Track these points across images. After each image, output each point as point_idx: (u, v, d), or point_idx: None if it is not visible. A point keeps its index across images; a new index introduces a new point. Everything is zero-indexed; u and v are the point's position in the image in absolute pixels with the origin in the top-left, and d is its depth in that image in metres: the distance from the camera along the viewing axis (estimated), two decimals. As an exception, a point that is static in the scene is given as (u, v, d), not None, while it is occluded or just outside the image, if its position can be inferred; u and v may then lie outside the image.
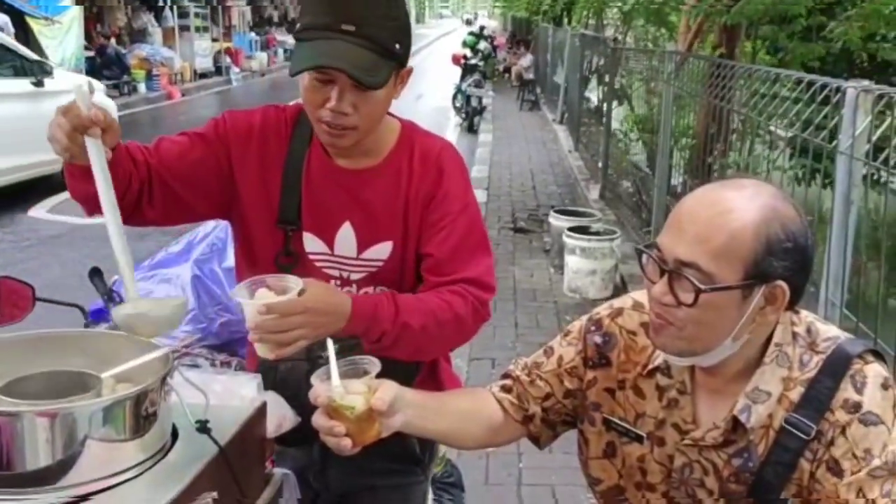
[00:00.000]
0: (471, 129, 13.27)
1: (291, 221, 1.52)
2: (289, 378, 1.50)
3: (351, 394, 1.17)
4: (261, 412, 1.34)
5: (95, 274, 2.02)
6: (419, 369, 1.56)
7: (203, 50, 20.12)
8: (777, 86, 3.30)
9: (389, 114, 1.55)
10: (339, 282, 1.53)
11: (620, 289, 5.59)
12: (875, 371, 1.16)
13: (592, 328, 1.36)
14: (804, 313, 1.24)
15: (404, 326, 1.40)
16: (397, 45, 1.40)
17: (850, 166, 2.24)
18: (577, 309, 5.30)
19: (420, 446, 1.65)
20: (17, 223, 6.98)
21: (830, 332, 1.21)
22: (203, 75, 20.05)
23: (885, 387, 1.14)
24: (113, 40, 16.65)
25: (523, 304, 5.39)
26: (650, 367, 1.29)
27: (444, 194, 1.51)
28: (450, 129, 13.61)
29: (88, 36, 15.69)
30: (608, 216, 7.21)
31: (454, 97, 14.22)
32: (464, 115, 13.68)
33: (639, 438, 1.29)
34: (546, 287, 5.79)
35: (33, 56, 8.10)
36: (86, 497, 1.07)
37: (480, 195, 8.59)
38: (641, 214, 6.72)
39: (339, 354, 1.47)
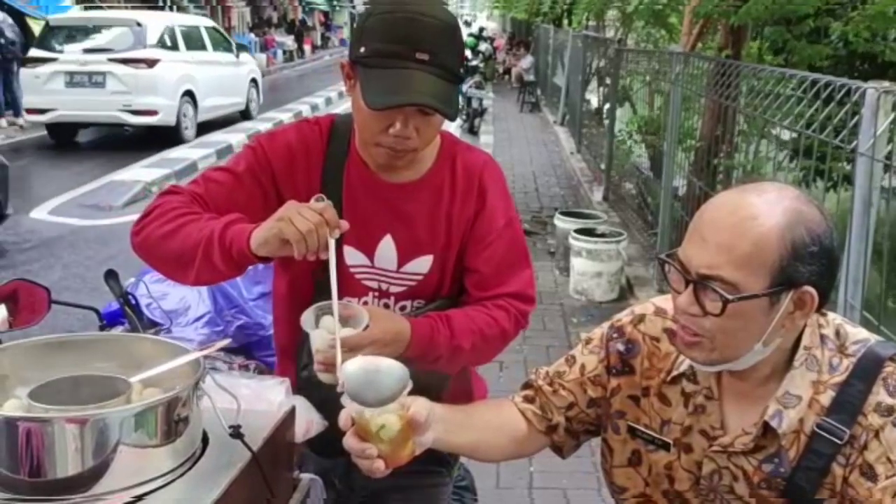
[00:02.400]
0: (471, 130, 13.27)
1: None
2: (331, 393, 1.48)
3: (384, 413, 1.14)
4: (290, 417, 1.32)
5: (111, 276, 2.00)
6: (450, 376, 1.55)
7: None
8: (782, 86, 3.29)
9: None
10: (377, 293, 1.53)
11: (626, 291, 5.57)
12: None
13: (615, 335, 1.34)
14: (832, 315, 1.22)
15: (458, 349, 1.44)
16: (462, 70, 1.41)
17: (870, 168, 2.22)
18: (584, 311, 5.29)
19: None
20: (19, 225, 6.95)
21: (860, 335, 1.19)
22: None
23: None
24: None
25: (529, 307, 5.38)
26: (674, 373, 1.27)
27: (490, 211, 1.52)
28: (451, 131, 13.53)
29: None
30: (613, 218, 7.20)
31: (455, 99, 14.19)
32: (464, 117, 13.67)
33: (665, 446, 1.27)
34: (552, 289, 5.77)
35: (233, 40, 14.41)
36: (119, 505, 1.05)
37: (483, 197, 8.57)
38: (646, 217, 6.71)
39: None
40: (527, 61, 17.26)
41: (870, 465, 1.11)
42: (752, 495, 1.20)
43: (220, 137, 11.38)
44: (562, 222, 6.09)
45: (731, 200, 1.13)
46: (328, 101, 16.23)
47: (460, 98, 12.27)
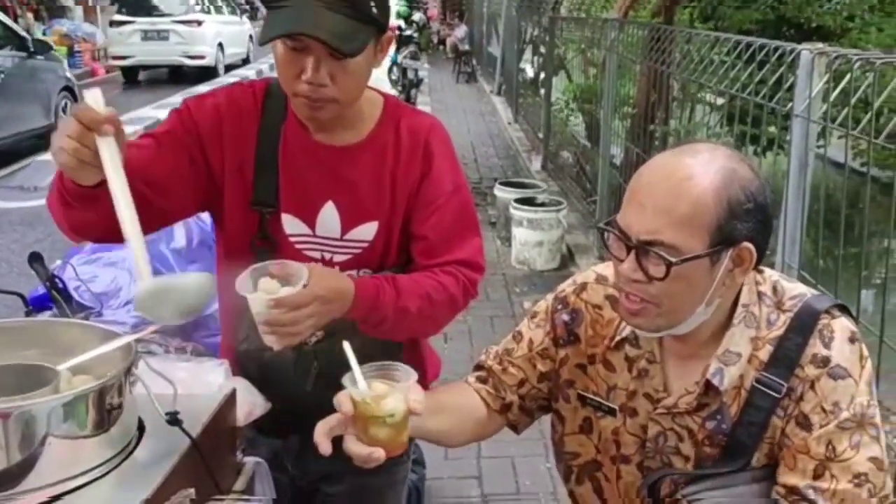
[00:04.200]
0: (408, 101, 13.10)
1: (268, 203, 1.43)
2: (273, 368, 1.43)
3: (391, 397, 1.10)
4: (231, 400, 1.27)
5: (36, 259, 1.90)
6: (402, 347, 1.50)
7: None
8: (715, 51, 3.31)
9: (371, 88, 1.47)
10: (320, 263, 1.45)
11: (567, 259, 5.62)
12: (842, 325, 1.16)
13: (559, 307, 1.34)
14: (768, 272, 1.24)
15: (404, 311, 1.37)
16: (375, 8, 1.31)
17: (806, 129, 2.25)
18: (526, 280, 5.31)
19: None
20: (-63, 209, 6.61)
21: (797, 290, 1.21)
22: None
23: (851, 340, 1.15)
24: (31, 16, 15.87)
25: (472, 277, 5.37)
26: (617, 338, 1.28)
27: (436, 174, 1.45)
28: (387, 103, 13.43)
29: (4, 11, 14.90)
30: (552, 187, 7.23)
31: (390, 70, 14.04)
32: (400, 88, 13.51)
33: (612, 412, 1.29)
34: (494, 259, 5.77)
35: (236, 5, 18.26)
36: (50, 501, 0.98)
37: (422, 169, 8.51)
38: (585, 185, 6.75)
39: (330, 338, 1.40)
40: (461, 31, 17.13)
41: (805, 416, 1.13)
42: (696, 454, 1.22)
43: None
44: (502, 192, 6.09)
45: (665, 163, 1.13)
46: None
47: (395, 69, 12.09)
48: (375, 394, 1.09)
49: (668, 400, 1.23)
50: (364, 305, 1.33)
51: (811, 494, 1.11)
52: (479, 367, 1.42)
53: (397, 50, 14.20)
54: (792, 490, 1.12)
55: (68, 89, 9.64)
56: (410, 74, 13.22)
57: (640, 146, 5.06)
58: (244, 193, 1.43)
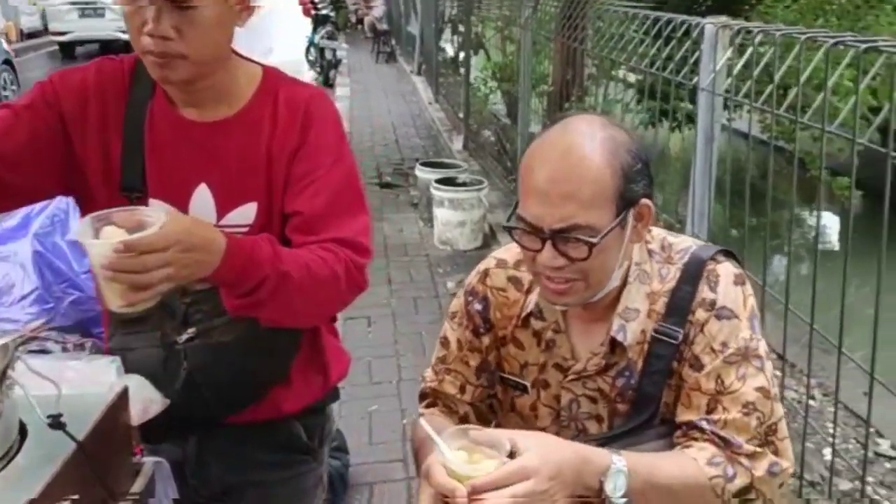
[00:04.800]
0: (326, 82, 12.92)
1: (136, 188, 1.31)
2: (141, 367, 1.31)
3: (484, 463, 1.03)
4: (122, 398, 1.19)
5: None
6: (299, 347, 1.41)
7: (29, 8, 18.84)
8: (626, 27, 3.34)
9: (252, 61, 1.39)
10: None
11: (490, 238, 5.63)
12: (726, 269, 1.22)
13: (470, 298, 1.36)
14: (655, 230, 1.29)
15: (284, 276, 1.21)
16: None
17: (711, 103, 2.29)
18: (449, 261, 5.30)
19: (308, 433, 1.51)
20: None
21: (684, 244, 1.27)
22: (31, 35, 18.74)
23: (736, 283, 1.21)
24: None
25: (395, 260, 5.33)
26: (523, 315, 1.30)
27: (314, 145, 1.33)
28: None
29: None
30: (473, 166, 7.22)
31: (307, 50, 13.78)
32: (318, 69, 13.29)
33: (525, 388, 1.32)
34: (417, 241, 5.74)
35: None
36: (-85, 519, 0.90)
37: (342, 151, 8.38)
38: (505, 163, 6.78)
39: (195, 306, 1.29)
40: (379, 10, 16.92)
41: (696, 357, 1.20)
42: (610, 412, 1.26)
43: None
44: (423, 173, 6.05)
45: (553, 148, 1.14)
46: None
47: (312, 50, 11.86)
48: (475, 466, 1.02)
49: (577, 366, 1.26)
50: (236, 263, 1.16)
51: (705, 426, 1.17)
52: (422, 395, 1.42)
53: (314, 30, 13.94)
54: (688, 425, 1.19)
55: (7, 63, 11.55)
56: (328, 55, 13.00)
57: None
58: (111, 178, 1.32)
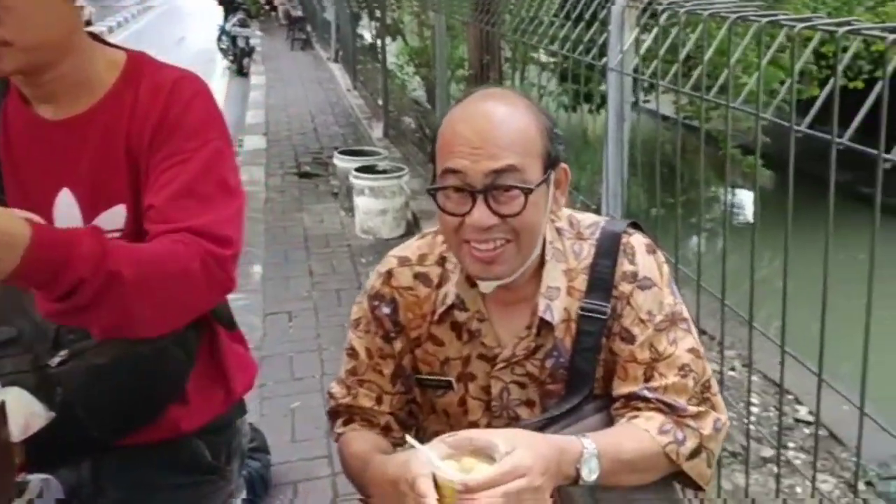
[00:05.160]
0: (240, 71, 12.61)
1: None
2: None
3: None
4: None
5: None
6: (194, 361, 1.29)
7: None
8: (536, 9, 3.33)
9: (117, 46, 1.28)
10: None
11: (413, 225, 5.58)
12: (638, 240, 1.25)
13: (376, 303, 1.31)
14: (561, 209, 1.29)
15: (112, 276, 1.01)
16: None
17: (620, 82, 2.29)
18: (372, 250, 5.23)
19: (213, 451, 1.41)
20: None
21: (590, 219, 1.28)
22: None
23: (649, 252, 1.25)
24: None
25: (316, 251, 5.22)
26: (440, 310, 1.27)
27: (173, 128, 1.20)
28: (218, 74, 12.87)
29: None
30: (394, 154, 7.15)
31: (219, 38, 13.40)
32: (231, 58, 12.95)
33: (449, 385, 1.28)
34: (338, 231, 5.64)
35: None
36: None
37: (259, 141, 8.19)
38: (426, 149, 6.73)
39: (75, 359, 1.17)
40: (294, -4, 16.59)
41: (627, 330, 1.21)
42: (541, 395, 1.24)
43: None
44: (342, 161, 5.95)
45: (477, 108, 1.14)
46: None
47: (224, 38, 11.56)
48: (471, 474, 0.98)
49: (504, 353, 1.24)
50: (45, 258, 0.96)
51: (648, 394, 1.19)
52: (334, 413, 1.35)
53: (225, 17, 13.56)
54: (629, 397, 1.20)
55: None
56: (241, 43, 12.67)
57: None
58: None
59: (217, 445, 1.42)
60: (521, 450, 1.01)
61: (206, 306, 1.21)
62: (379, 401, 1.31)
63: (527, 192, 1.10)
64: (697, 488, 1.23)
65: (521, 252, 1.16)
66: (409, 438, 1.06)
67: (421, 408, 1.34)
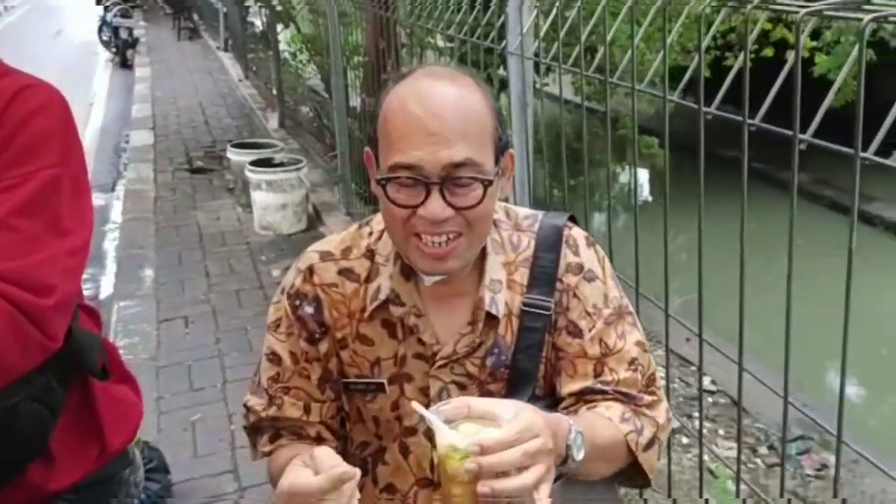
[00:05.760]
0: (124, 64, 12.03)
1: None
2: None
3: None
4: None
5: None
6: (58, 415, 1.14)
7: None
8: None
9: None
10: None
11: (314, 219, 5.40)
12: (579, 233, 1.21)
13: (298, 302, 1.19)
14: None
15: None
16: None
17: (521, 67, 2.21)
18: (272, 247, 5.03)
19: None
20: None
21: (527, 211, 1.23)
22: None
23: (589, 245, 1.21)
24: None
25: (212, 251, 4.98)
26: (372, 307, 1.15)
27: (6, 144, 1.04)
28: (100, 67, 12.22)
29: None
30: (291, 145, 6.94)
31: (100, 30, 12.74)
32: (114, 50, 12.33)
33: (381, 388, 1.16)
34: (236, 228, 5.41)
35: None
36: None
37: (146, 136, 7.79)
38: (325, 140, 6.53)
39: None
40: (178, -16, 15.90)
41: (574, 324, 1.16)
42: (480, 396, 1.14)
43: None
44: (236, 155, 5.71)
45: (428, 91, 1.04)
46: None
47: (105, 29, 11.02)
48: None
49: (444, 350, 1.14)
50: None
51: (600, 386, 1.14)
52: (255, 430, 1.22)
53: (106, 8, 12.87)
54: (581, 392, 1.14)
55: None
56: (123, 34, 12.07)
57: (374, 96, 4.93)
58: None
59: (97, 502, 1.28)
60: (528, 412, 0.93)
61: (18, 368, 1.03)
62: (307, 410, 1.19)
63: (486, 183, 1.02)
64: (639, 486, 1.19)
65: (473, 245, 1.08)
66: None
67: (348, 416, 1.23)
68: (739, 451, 1.73)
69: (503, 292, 1.15)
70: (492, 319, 1.14)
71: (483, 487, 0.87)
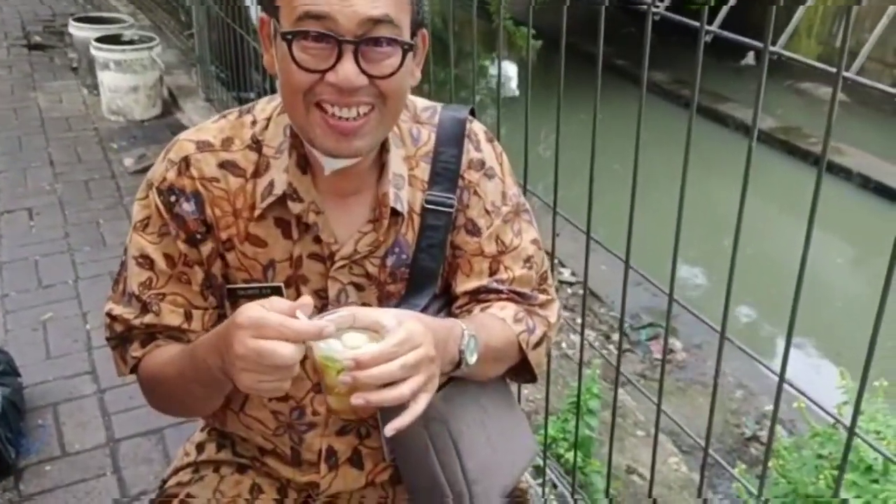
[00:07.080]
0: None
1: None
2: None
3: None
4: None
5: None
6: None
7: None
8: None
9: None
10: None
11: (170, 104, 5.05)
12: (479, 127, 1.17)
13: (174, 198, 1.06)
14: None
15: None
16: None
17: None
18: (124, 134, 4.68)
19: None
20: None
21: (426, 102, 1.16)
22: None
23: (488, 140, 1.17)
24: None
25: (56, 137, 4.58)
26: (265, 203, 1.05)
27: None
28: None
29: None
30: (142, 21, 6.39)
31: None
32: None
33: (277, 291, 1.06)
34: (82, 112, 4.98)
35: None
36: None
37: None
38: (180, 17, 6.05)
39: None
40: None
41: (473, 221, 1.13)
42: (379, 297, 1.11)
43: None
44: (79, 30, 5.18)
45: None
46: None
47: None
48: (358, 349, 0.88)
49: (343, 249, 1.07)
50: None
51: (497, 286, 1.14)
52: (123, 338, 1.10)
53: None
54: (476, 291, 1.14)
55: None
56: None
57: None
58: None
59: None
60: (411, 321, 0.91)
61: None
62: (188, 317, 1.09)
63: (406, 48, 0.94)
64: (526, 381, 1.21)
65: (384, 123, 0.99)
66: (298, 313, 0.88)
67: None
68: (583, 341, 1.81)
69: (406, 189, 1.09)
70: (394, 217, 1.08)
71: (357, 400, 0.85)
